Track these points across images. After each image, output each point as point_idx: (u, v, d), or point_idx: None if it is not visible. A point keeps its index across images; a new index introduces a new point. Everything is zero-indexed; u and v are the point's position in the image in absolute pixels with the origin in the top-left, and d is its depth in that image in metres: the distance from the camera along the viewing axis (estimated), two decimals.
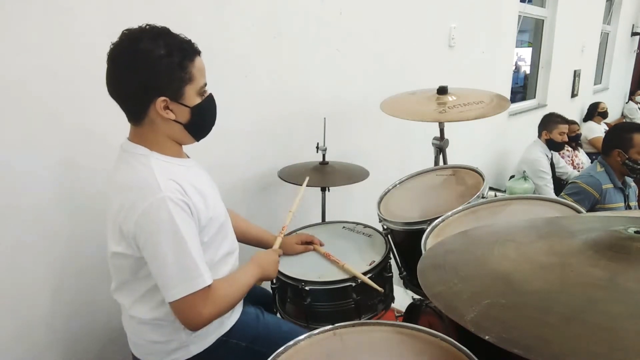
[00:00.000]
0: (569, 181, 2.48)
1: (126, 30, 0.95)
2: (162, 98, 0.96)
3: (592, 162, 4.10)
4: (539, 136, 3.48)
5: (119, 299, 1.10)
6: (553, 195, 3.21)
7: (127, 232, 0.96)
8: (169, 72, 0.95)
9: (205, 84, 1.03)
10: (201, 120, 1.05)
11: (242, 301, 1.22)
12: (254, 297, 1.31)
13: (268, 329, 1.20)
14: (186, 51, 0.97)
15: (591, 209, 2.30)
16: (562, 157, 3.79)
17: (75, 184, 1.31)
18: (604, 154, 2.38)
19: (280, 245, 1.35)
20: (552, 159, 3.47)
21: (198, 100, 1.01)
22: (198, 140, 1.10)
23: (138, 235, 0.94)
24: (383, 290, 1.32)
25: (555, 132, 3.38)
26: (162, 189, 0.94)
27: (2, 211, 1.18)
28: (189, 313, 0.97)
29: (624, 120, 6.89)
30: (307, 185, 1.53)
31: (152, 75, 0.94)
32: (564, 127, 3.42)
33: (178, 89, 0.97)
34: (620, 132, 2.34)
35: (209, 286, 0.98)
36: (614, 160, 2.31)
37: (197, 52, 1.00)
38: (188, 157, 1.13)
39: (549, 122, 3.43)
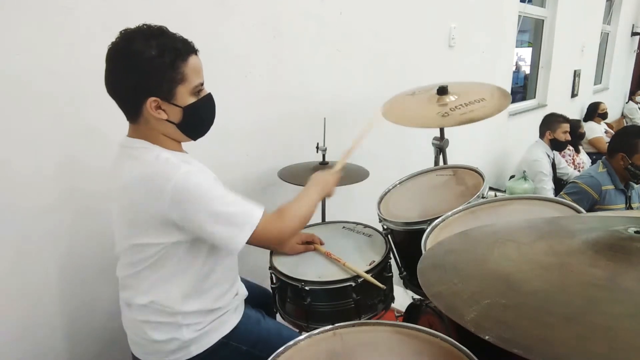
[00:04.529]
0: (570, 180, 2.47)
1: (123, 30, 0.97)
2: (153, 98, 0.97)
3: (592, 162, 4.12)
4: (542, 136, 3.47)
5: (127, 287, 1.10)
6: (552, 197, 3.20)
7: (161, 217, 0.97)
8: (160, 72, 0.96)
9: (201, 84, 1.03)
10: (195, 120, 1.06)
11: (243, 302, 1.23)
12: (254, 297, 1.31)
13: (269, 334, 1.20)
14: (179, 51, 0.97)
15: (590, 209, 2.29)
16: (563, 157, 3.78)
17: (77, 184, 1.31)
18: (608, 155, 2.36)
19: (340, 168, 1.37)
20: (553, 159, 3.47)
21: (191, 100, 1.02)
22: (194, 139, 1.10)
23: (177, 215, 0.97)
24: (385, 287, 1.32)
25: (559, 131, 3.39)
26: (178, 166, 0.97)
27: (3, 211, 1.18)
28: (266, 239, 1.07)
29: (624, 120, 6.89)
30: None
31: (143, 76, 0.96)
32: (567, 126, 3.43)
33: (169, 89, 0.98)
34: (627, 137, 2.31)
35: (272, 212, 1.08)
36: (617, 164, 2.29)
37: (191, 52, 1.00)
38: (187, 153, 1.14)
39: (552, 121, 3.43)
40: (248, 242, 1.03)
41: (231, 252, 1.08)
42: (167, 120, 1.01)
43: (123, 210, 1.04)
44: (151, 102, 0.97)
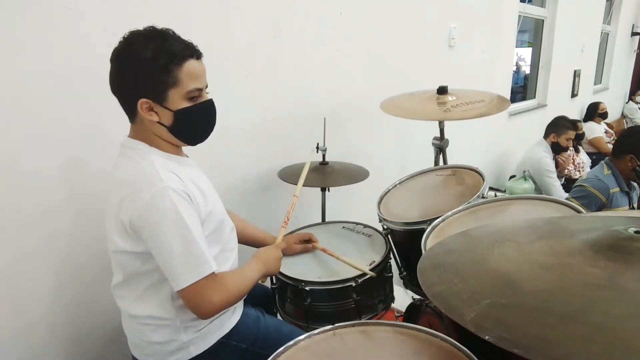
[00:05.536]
0: (576, 184, 2.44)
1: (129, 31, 0.98)
2: (144, 100, 0.98)
3: (592, 162, 4.11)
4: (546, 137, 3.48)
5: (120, 297, 1.10)
6: (562, 193, 3.21)
7: (129, 224, 0.96)
8: (151, 74, 0.96)
9: (199, 89, 1.02)
10: (187, 125, 1.04)
11: (242, 302, 1.23)
12: (254, 297, 1.31)
13: (268, 331, 1.20)
14: (174, 54, 0.96)
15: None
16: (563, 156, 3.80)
17: (79, 185, 1.31)
18: (614, 156, 2.32)
19: (283, 238, 1.35)
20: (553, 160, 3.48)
21: (184, 105, 1.00)
22: (190, 144, 1.10)
23: (142, 227, 0.95)
24: (375, 275, 1.31)
25: (563, 136, 3.41)
26: (164, 180, 0.96)
27: (4, 212, 1.18)
28: (199, 300, 0.99)
29: (624, 120, 6.89)
30: (306, 186, 1.52)
31: (136, 77, 0.97)
32: (572, 134, 3.46)
33: (161, 92, 0.98)
34: (635, 138, 2.27)
35: (217, 274, 1.00)
36: (624, 164, 2.25)
37: (190, 56, 0.98)
38: (187, 156, 1.14)
39: (560, 126, 3.45)
40: (180, 292, 0.97)
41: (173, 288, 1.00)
42: (158, 122, 1.01)
43: (110, 211, 1.03)
44: (142, 103, 0.98)
